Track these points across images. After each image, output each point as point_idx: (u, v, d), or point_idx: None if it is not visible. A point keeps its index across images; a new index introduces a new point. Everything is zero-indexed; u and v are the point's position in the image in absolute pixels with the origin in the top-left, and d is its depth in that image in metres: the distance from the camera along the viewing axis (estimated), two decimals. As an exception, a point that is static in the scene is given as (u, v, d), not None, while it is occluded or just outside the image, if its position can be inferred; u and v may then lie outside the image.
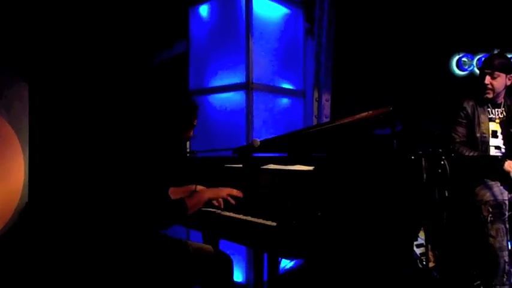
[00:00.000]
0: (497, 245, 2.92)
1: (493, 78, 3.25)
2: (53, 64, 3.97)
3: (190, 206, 2.28)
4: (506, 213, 2.98)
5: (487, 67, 3.27)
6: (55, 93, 3.96)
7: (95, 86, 4.22)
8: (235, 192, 2.44)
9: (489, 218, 2.96)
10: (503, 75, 3.25)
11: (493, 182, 3.07)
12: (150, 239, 2.28)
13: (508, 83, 3.29)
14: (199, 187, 2.63)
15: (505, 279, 2.92)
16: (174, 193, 2.51)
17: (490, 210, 2.97)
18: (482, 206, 3.00)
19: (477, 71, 4.35)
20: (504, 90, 3.31)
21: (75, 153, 3.86)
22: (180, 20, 4.47)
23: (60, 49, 4.02)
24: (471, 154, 3.18)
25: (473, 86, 3.39)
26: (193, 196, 2.38)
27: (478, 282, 3.16)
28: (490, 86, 3.25)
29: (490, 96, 3.27)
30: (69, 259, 2.70)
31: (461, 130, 3.32)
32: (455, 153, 3.18)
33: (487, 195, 3.01)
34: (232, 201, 2.42)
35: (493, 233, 2.94)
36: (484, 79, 3.26)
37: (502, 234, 2.93)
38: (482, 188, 3.07)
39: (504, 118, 3.30)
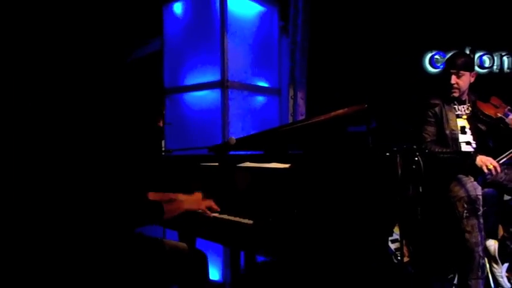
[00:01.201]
0: (473, 240, 2.98)
1: (458, 77, 3.33)
2: (21, 62, 3.89)
3: (166, 211, 2.26)
4: (481, 209, 3.03)
5: (452, 67, 3.35)
6: (23, 91, 3.88)
7: (66, 84, 4.15)
8: (214, 206, 2.43)
9: (464, 214, 3.01)
10: (467, 74, 3.35)
11: (466, 178, 3.12)
12: (125, 237, 2.25)
13: (472, 80, 3.38)
14: (180, 196, 2.60)
15: (479, 273, 2.98)
16: (153, 198, 2.50)
17: (465, 206, 3.02)
18: (457, 202, 3.05)
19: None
20: (468, 87, 3.39)
21: (45, 152, 3.79)
22: (155, 17, 4.43)
23: (29, 45, 3.94)
24: (443, 151, 3.24)
25: (440, 85, 3.45)
26: (172, 203, 2.38)
27: (451, 275, 3.22)
28: (456, 86, 3.33)
29: (457, 94, 3.36)
30: (38, 259, 2.66)
31: (430, 129, 3.38)
32: (428, 152, 3.23)
33: (461, 192, 3.06)
34: (210, 214, 2.41)
35: (468, 228, 2.99)
36: (450, 79, 3.33)
37: (476, 229, 2.99)
38: (456, 184, 3.12)
39: (470, 114, 3.37)
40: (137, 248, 2.30)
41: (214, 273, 3.88)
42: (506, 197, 3.50)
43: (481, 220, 3.01)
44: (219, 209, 2.43)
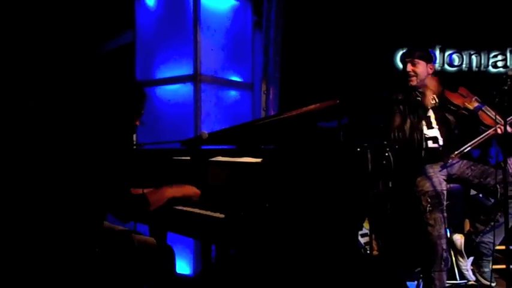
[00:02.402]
0: (436, 233, 3.04)
1: (413, 65, 3.39)
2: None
3: (152, 202, 2.24)
4: (444, 203, 3.10)
5: (407, 56, 3.44)
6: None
7: (35, 79, 4.07)
8: (197, 192, 2.41)
9: (428, 208, 3.08)
10: (423, 63, 3.41)
11: (432, 173, 3.18)
12: (96, 232, 2.23)
13: (430, 71, 3.43)
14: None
15: (442, 265, 3.04)
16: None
17: (429, 200, 3.09)
18: (422, 197, 3.12)
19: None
20: (426, 79, 3.43)
21: (18, 151, 3.72)
22: (126, 8, 4.38)
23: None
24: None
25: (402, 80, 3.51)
26: (155, 192, 2.34)
27: (419, 269, 3.28)
28: (412, 73, 3.39)
29: (414, 82, 3.39)
30: (13, 254, 2.61)
31: (397, 124, 3.39)
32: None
33: (427, 186, 3.12)
34: (197, 199, 2.38)
35: (431, 222, 3.06)
36: (406, 67, 3.40)
37: (439, 223, 3.05)
38: (422, 178, 3.18)
39: (436, 104, 3.41)
40: (107, 243, 2.27)
41: (185, 267, 3.87)
42: (473, 192, 3.59)
43: (445, 214, 3.08)
44: (200, 197, 2.40)
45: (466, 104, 3.37)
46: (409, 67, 3.39)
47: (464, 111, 3.37)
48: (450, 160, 3.22)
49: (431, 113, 3.40)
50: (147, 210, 2.23)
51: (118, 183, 2.19)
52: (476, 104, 3.35)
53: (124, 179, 2.27)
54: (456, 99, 3.41)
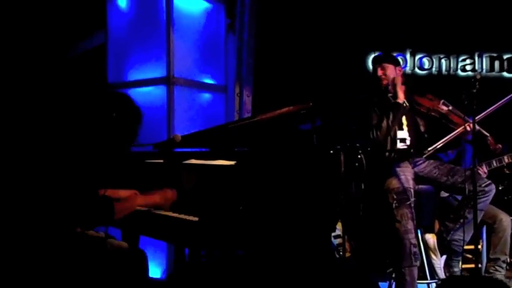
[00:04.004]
0: (403, 228, 3.09)
1: (382, 68, 3.45)
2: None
3: (118, 210, 2.19)
4: (411, 199, 3.15)
5: (376, 62, 3.52)
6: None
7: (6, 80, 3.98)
8: (169, 195, 2.37)
9: (394, 204, 3.13)
10: (391, 66, 3.47)
11: (400, 171, 3.23)
12: (67, 237, 2.19)
13: (399, 73, 3.49)
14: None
15: (412, 260, 3.08)
16: (114, 195, 2.42)
17: (395, 196, 3.14)
18: (389, 194, 3.17)
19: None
20: (395, 81, 3.48)
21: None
22: (98, 9, 4.32)
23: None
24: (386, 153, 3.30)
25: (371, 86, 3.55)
26: (124, 201, 2.31)
27: (391, 269, 3.32)
28: (383, 76, 3.45)
29: (385, 82, 3.44)
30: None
31: (375, 123, 3.39)
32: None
33: (393, 183, 3.18)
34: (168, 205, 2.35)
35: (398, 218, 3.11)
36: (376, 72, 3.47)
37: (406, 218, 3.10)
38: (391, 177, 3.23)
39: (407, 107, 3.46)
40: (79, 248, 2.24)
41: (157, 271, 3.84)
42: (444, 194, 3.66)
43: (412, 210, 3.13)
44: (175, 198, 2.37)
45: (435, 106, 3.44)
46: (379, 71, 3.45)
47: (434, 113, 3.44)
48: (418, 158, 3.28)
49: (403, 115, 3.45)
50: (112, 218, 2.20)
51: (87, 188, 2.15)
52: (444, 106, 3.43)
53: (89, 185, 2.22)
54: (425, 103, 3.48)
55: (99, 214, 2.16)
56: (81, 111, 2.30)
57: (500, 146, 3.60)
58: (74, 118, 2.30)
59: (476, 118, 3.11)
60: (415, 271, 3.11)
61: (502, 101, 3.40)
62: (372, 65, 3.56)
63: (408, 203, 3.12)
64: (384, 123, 3.32)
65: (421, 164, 3.35)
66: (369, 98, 3.51)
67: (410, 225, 3.10)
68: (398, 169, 3.25)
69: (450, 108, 3.42)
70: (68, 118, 2.31)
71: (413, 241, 3.10)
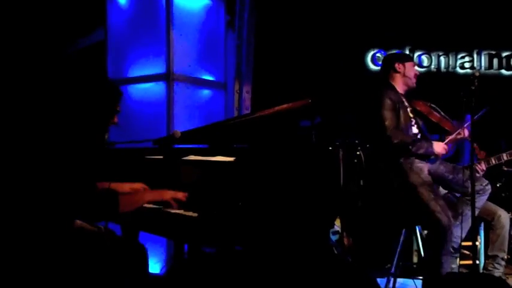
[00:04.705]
0: (445, 218, 3.05)
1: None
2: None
3: (123, 204, 2.17)
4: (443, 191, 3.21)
5: (412, 59, 3.45)
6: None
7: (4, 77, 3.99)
8: (180, 195, 2.36)
9: (431, 196, 3.09)
10: None
11: (424, 166, 3.21)
12: (66, 231, 2.19)
13: None
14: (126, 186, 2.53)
15: (451, 250, 3.11)
16: (118, 188, 2.41)
17: (429, 189, 3.12)
18: (420, 187, 3.12)
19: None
20: None
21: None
22: (97, 6, 4.32)
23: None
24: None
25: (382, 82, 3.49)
26: (131, 194, 2.30)
27: (389, 265, 3.34)
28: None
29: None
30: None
31: (392, 115, 3.25)
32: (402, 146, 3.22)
33: (423, 176, 3.16)
34: (175, 204, 2.34)
35: (438, 209, 3.06)
36: (414, 70, 3.41)
37: (445, 208, 3.09)
38: (411, 171, 3.18)
39: (412, 108, 3.45)
40: (78, 242, 2.24)
41: (156, 267, 3.85)
42: (442, 191, 3.67)
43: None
44: (184, 198, 2.34)
45: (429, 115, 3.45)
46: (417, 69, 3.43)
47: (431, 117, 3.45)
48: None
49: (412, 115, 3.43)
50: (116, 211, 2.20)
51: (84, 182, 2.15)
52: (436, 113, 3.44)
53: (91, 178, 2.22)
54: (421, 107, 3.48)
55: (102, 206, 2.15)
56: (67, 101, 2.29)
57: (484, 152, 3.62)
58: (63, 109, 2.29)
59: (466, 124, 3.16)
60: (451, 260, 3.15)
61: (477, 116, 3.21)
62: (412, 60, 3.52)
63: (442, 194, 3.10)
64: (402, 118, 3.27)
65: (432, 159, 3.33)
66: (379, 93, 3.39)
67: (450, 214, 3.09)
68: (421, 164, 3.23)
69: (441, 114, 3.44)
70: (59, 110, 2.29)
71: (453, 232, 3.11)
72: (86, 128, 2.30)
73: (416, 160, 3.23)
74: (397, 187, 3.22)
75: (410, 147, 3.18)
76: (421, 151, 3.19)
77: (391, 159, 3.22)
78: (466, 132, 3.30)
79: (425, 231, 3.43)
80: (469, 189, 3.05)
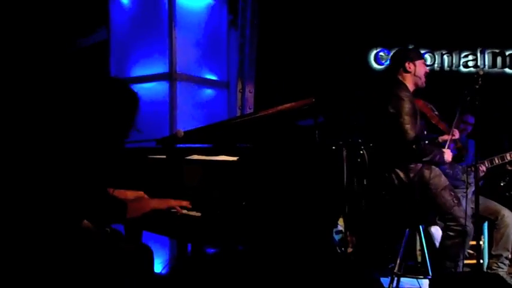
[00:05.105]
0: (470, 224, 3.01)
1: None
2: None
3: (130, 210, 2.20)
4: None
5: (422, 56, 3.34)
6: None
7: (11, 77, 3.99)
8: (184, 204, 2.34)
9: (454, 201, 3.03)
10: None
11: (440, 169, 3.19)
12: (74, 232, 2.20)
13: None
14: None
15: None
16: (121, 195, 2.42)
17: (452, 194, 3.05)
18: (443, 191, 3.06)
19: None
20: None
21: None
22: (100, 6, 4.32)
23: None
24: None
25: (388, 81, 3.43)
26: (138, 201, 2.32)
27: (392, 264, 3.33)
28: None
29: None
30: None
31: (412, 121, 3.11)
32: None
33: (443, 180, 3.10)
34: (180, 211, 2.34)
35: (461, 214, 3.00)
36: (424, 68, 3.28)
37: (466, 215, 3.02)
38: (434, 175, 3.10)
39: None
40: (86, 242, 2.25)
41: (158, 266, 3.84)
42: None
43: None
44: (189, 206, 2.33)
45: (431, 118, 3.42)
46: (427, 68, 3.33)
47: (431, 121, 3.42)
48: None
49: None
50: (124, 218, 2.22)
51: (98, 186, 2.16)
52: (437, 117, 3.41)
53: (104, 183, 2.24)
54: (423, 108, 3.44)
55: (111, 212, 2.17)
56: (79, 102, 2.29)
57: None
58: (75, 110, 2.29)
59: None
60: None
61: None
62: (422, 59, 3.36)
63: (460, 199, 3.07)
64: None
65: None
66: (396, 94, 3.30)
67: (470, 220, 3.02)
68: (437, 168, 3.17)
69: (437, 114, 3.41)
70: (70, 111, 2.30)
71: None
72: (107, 135, 2.31)
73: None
74: (418, 191, 3.10)
75: (428, 156, 3.10)
76: (436, 159, 3.12)
77: (410, 163, 3.11)
78: (457, 134, 3.28)
79: (432, 228, 3.41)
80: (461, 183, 3.03)
